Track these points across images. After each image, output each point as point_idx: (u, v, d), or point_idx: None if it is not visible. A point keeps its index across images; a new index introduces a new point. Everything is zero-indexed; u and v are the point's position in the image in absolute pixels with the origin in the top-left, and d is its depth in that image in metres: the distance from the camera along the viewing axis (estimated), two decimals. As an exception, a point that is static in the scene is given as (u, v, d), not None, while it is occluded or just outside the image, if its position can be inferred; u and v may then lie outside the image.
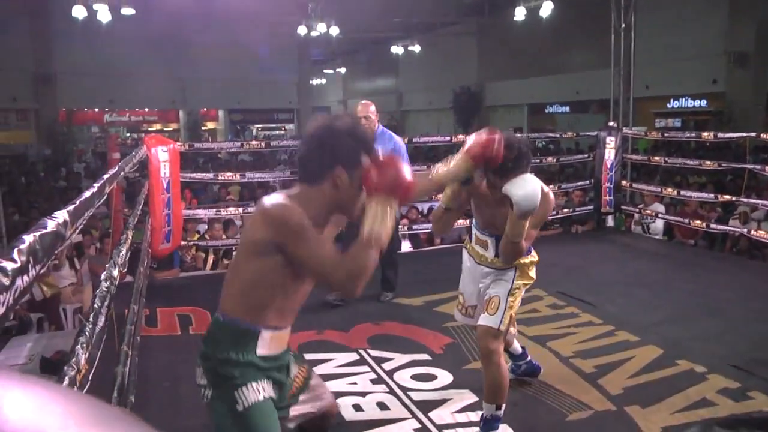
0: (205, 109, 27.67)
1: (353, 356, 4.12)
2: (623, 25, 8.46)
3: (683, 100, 20.49)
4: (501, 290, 3.08)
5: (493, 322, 3.00)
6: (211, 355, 1.95)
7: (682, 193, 8.04)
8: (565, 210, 8.26)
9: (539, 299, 5.26)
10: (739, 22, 16.34)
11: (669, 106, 20.96)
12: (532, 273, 3.17)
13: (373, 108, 5.11)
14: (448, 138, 8.01)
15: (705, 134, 7.72)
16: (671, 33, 17.90)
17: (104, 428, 0.44)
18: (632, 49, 8.54)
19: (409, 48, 26.40)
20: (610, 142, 8.02)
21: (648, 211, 8.19)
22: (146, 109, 27.07)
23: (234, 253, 1.95)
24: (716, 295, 5.43)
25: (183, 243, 6.58)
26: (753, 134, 7.08)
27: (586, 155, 8.79)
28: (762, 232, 6.90)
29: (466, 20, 25.28)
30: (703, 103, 19.82)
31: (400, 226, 7.85)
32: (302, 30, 18.63)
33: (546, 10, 15.60)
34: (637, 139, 9.84)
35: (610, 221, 8.43)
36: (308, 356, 4.11)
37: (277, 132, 28.19)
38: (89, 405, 0.45)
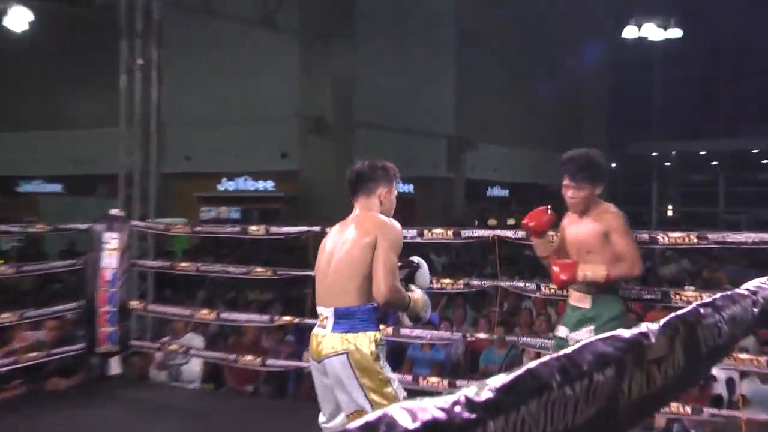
0: None
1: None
2: (140, 61, 5.70)
3: (241, 180, 15.87)
4: None
5: None
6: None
7: (224, 316, 5.41)
8: (33, 354, 4.91)
9: None
10: (312, 79, 13.08)
11: (220, 188, 16.09)
12: None
13: None
14: None
15: (253, 228, 5.31)
16: (225, 84, 14.02)
17: None
18: (157, 98, 5.77)
19: None
20: (112, 242, 5.12)
21: (176, 347, 5.35)
22: None
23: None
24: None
25: None
26: (317, 229, 4.79)
27: (74, 261, 5.64)
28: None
29: None
30: (269, 185, 15.71)
31: None
32: None
33: (18, 22, 9.58)
34: (175, 236, 6.99)
35: (115, 367, 5.51)
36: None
37: None
38: None
